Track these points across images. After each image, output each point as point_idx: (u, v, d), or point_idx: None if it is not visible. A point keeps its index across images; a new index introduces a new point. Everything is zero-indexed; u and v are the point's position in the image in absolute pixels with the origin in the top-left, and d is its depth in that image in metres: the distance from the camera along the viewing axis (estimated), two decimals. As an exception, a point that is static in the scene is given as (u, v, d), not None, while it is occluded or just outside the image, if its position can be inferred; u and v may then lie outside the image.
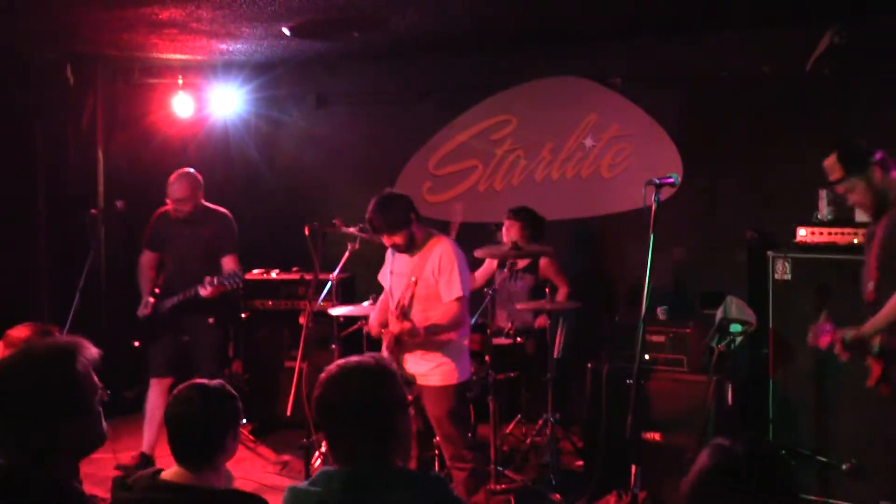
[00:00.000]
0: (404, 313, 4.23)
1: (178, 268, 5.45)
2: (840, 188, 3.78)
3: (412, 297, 4.23)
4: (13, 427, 2.11)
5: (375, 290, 5.57)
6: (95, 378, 2.20)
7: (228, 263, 5.41)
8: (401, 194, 4.41)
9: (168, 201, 5.40)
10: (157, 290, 5.51)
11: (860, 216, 4.76)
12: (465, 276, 4.31)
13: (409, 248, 4.31)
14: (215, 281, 5.15)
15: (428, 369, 4.28)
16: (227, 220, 5.56)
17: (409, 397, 3.92)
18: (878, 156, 3.71)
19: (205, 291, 5.17)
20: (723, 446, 1.84)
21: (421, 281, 4.23)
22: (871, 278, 3.68)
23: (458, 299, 4.23)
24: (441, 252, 4.26)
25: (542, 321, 5.71)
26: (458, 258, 4.26)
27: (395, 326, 4.20)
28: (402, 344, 4.25)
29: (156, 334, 5.40)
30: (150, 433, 5.31)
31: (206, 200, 5.66)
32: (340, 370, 2.27)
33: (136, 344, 5.48)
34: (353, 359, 2.32)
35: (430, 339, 4.22)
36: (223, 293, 5.28)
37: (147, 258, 5.60)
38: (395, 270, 4.45)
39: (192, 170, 5.49)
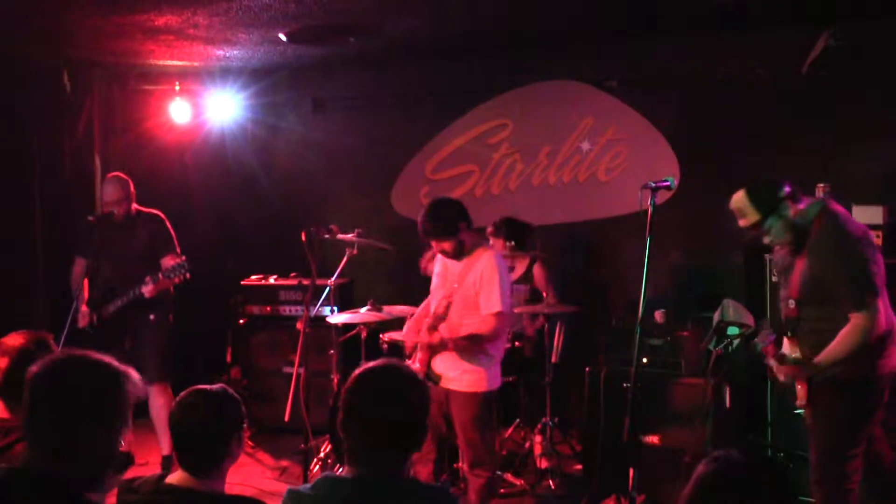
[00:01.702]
0: (434, 324, 4.24)
1: (117, 272, 5.41)
2: (755, 231, 3.65)
3: (448, 306, 4.24)
4: (49, 420, 2.13)
5: (374, 295, 5.59)
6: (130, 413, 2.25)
7: (168, 262, 5.40)
8: (453, 200, 4.43)
9: (104, 205, 5.48)
10: (85, 297, 5.47)
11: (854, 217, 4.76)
12: (506, 291, 4.28)
13: (458, 254, 4.33)
14: (158, 277, 5.18)
15: (457, 374, 4.27)
16: (161, 220, 5.57)
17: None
18: (786, 189, 3.58)
19: (147, 290, 5.20)
20: (721, 456, 1.83)
21: (461, 289, 4.25)
22: (792, 298, 3.66)
23: (497, 314, 4.21)
24: (485, 264, 4.26)
25: (530, 330, 5.69)
26: (500, 273, 4.25)
27: (424, 337, 4.24)
28: (434, 349, 4.28)
29: (102, 342, 4.94)
30: None
31: (203, 206, 5.67)
32: (383, 369, 2.30)
33: None
34: (394, 361, 2.38)
35: (447, 349, 4.24)
36: (165, 290, 5.35)
37: (80, 266, 5.52)
38: (440, 273, 4.47)
39: (120, 174, 5.54)
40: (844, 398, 3.59)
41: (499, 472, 5.02)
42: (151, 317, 5.42)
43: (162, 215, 5.60)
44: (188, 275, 5.25)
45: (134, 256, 5.43)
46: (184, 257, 5.31)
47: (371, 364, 2.33)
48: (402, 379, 2.30)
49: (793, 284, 3.66)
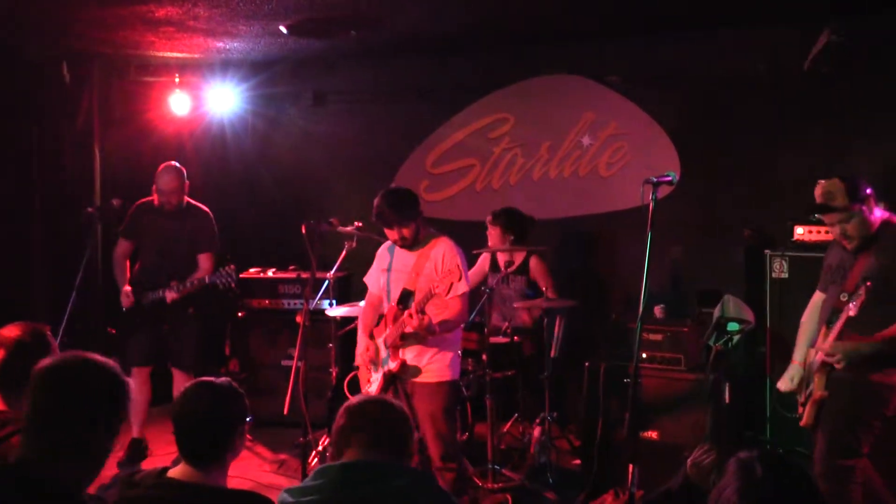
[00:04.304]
0: (420, 309, 4.11)
1: (159, 261, 5.55)
2: (834, 216, 3.73)
3: (424, 296, 4.13)
4: (51, 419, 2.15)
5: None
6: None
7: (204, 261, 5.55)
8: (408, 189, 4.42)
9: (154, 192, 5.54)
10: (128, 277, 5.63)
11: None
12: (467, 274, 4.31)
13: (414, 243, 4.30)
14: (188, 284, 5.36)
15: (424, 365, 4.24)
16: (209, 217, 5.68)
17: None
18: (869, 191, 3.72)
19: (171, 295, 5.35)
20: (745, 468, 1.85)
21: (422, 277, 4.21)
22: (846, 292, 3.69)
23: (463, 295, 4.21)
24: (444, 250, 4.25)
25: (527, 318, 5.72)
26: (461, 256, 4.26)
27: (414, 322, 4.06)
28: (407, 339, 4.21)
29: (136, 325, 5.48)
30: (138, 418, 5.56)
31: (203, 199, 5.66)
32: (365, 404, 2.61)
33: (112, 331, 5.60)
34: (369, 396, 2.83)
35: (435, 335, 4.17)
36: (208, 288, 5.42)
37: (123, 247, 5.68)
38: (394, 267, 4.42)
39: (177, 164, 5.61)
40: (863, 394, 3.67)
41: (496, 467, 5.01)
42: (190, 310, 5.55)
43: (210, 213, 5.70)
44: (234, 284, 5.41)
45: (176, 250, 5.54)
46: (232, 265, 5.38)
47: (350, 404, 2.63)
48: (385, 408, 2.59)
49: (851, 280, 3.72)
